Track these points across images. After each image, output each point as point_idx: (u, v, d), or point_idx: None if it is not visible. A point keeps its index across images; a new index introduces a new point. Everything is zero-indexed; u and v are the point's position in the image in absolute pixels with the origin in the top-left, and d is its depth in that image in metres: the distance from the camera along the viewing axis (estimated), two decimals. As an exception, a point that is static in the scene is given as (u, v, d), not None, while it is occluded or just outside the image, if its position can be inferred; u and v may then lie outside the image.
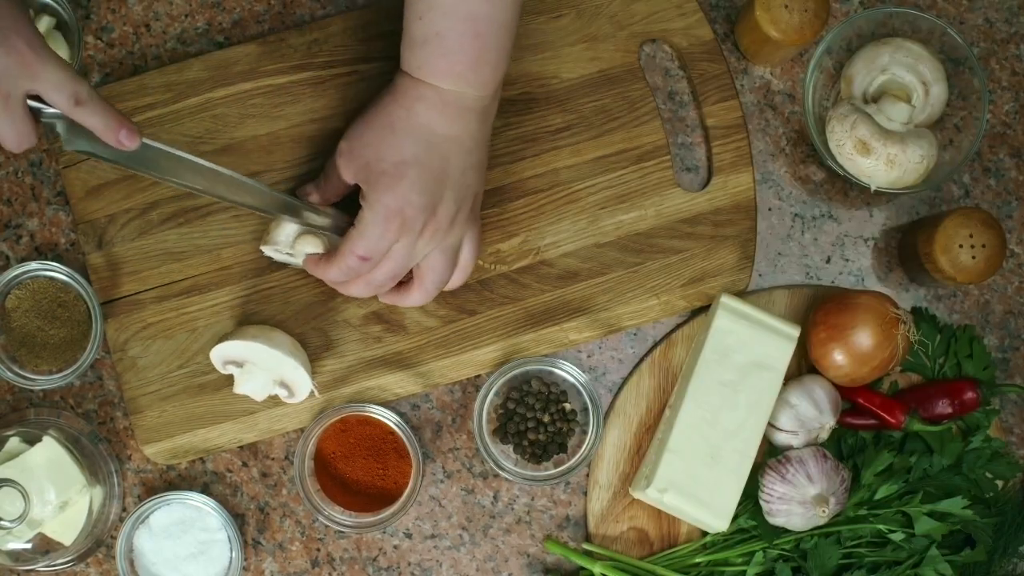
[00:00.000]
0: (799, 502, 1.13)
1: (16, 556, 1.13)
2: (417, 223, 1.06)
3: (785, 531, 1.16)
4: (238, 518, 1.19)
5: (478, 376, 1.20)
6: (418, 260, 1.09)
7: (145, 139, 1.01)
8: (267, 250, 1.14)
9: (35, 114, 0.95)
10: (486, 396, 1.16)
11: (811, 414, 1.15)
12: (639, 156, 1.21)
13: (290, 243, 1.11)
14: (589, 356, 1.21)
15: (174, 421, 1.17)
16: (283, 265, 1.18)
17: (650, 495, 1.13)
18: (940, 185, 1.23)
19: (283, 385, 1.15)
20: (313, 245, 1.11)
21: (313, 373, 1.17)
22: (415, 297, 1.12)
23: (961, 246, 1.16)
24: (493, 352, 1.19)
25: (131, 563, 1.16)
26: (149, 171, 1.02)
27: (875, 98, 1.20)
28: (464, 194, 1.08)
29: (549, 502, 1.20)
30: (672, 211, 1.21)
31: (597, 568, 1.17)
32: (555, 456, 1.18)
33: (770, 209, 1.23)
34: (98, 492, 1.15)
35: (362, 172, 1.07)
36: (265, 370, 1.14)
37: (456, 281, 1.13)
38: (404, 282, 1.12)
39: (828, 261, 1.23)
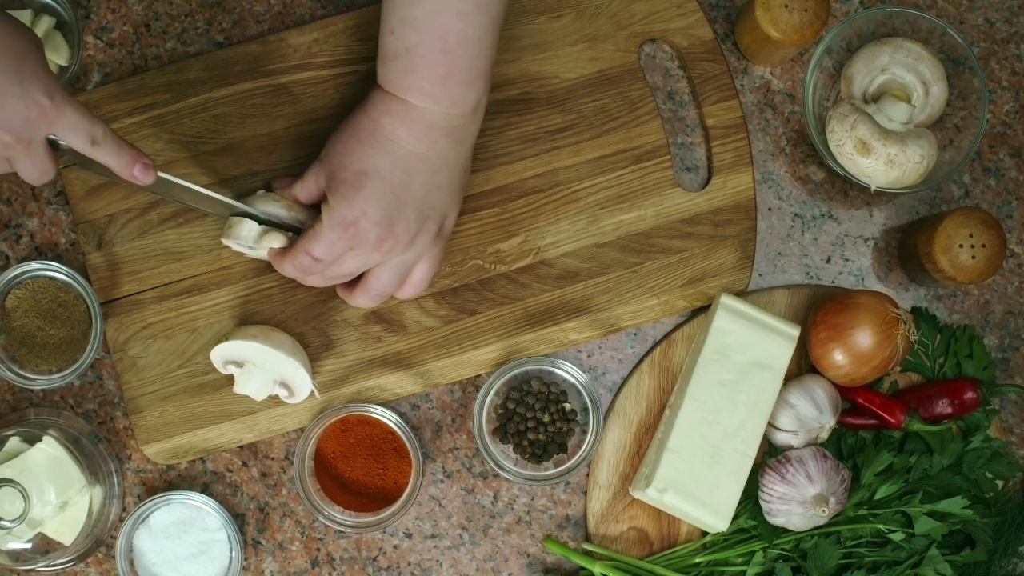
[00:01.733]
0: (799, 502, 1.13)
1: (16, 556, 1.13)
2: (371, 236, 1.06)
3: (785, 531, 1.16)
4: (238, 518, 1.19)
5: (478, 376, 1.20)
6: (371, 267, 1.10)
7: (160, 172, 1.06)
8: (229, 243, 1.14)
9: (53, 146, 1.01)
10: (486, 396, 1.16)
11: (811, 414, 1.15)
12: (639, 156, 1.21)
13: (253, 238, 1.12)
14: (589, 356, 1.21)
15: (174, 421, 1.17)
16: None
17: (650, 495, 1.13)
18: (940, 185, 1.23)
19: (283, 385, 1.15)
20: (277, 240, 1.11)
21: (313, 373, 1.17)
22: (358, 299, 1.13)
23: (961, 246, 1.16)
24: (493, 352, 1.19)
25: (131, 563, 1.16)
26: (153, 192, 1.09)
27: (875, 98, 1.20)
28: (427, 215, 1.08)
29: (549, 502, 1.20)
30: (672, 211, 1.21)
31: (597, 568, 1.17)
32: (555, 456, 1.18)
33: (770, 209, 1.23)
34: (98, 492, 1.15)
35: (327, 178, 1.08)
36: (265, 370, 1.14)
37: (406, 294, 1.13)
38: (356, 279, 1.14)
39: (828, 261, 1.23)
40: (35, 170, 1.00)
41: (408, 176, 1.06)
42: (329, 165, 1.08)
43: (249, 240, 1.12)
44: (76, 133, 0.99)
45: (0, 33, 0.96)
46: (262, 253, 1.13)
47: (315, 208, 1.12)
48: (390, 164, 1.06)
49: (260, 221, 1.12)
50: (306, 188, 1.12)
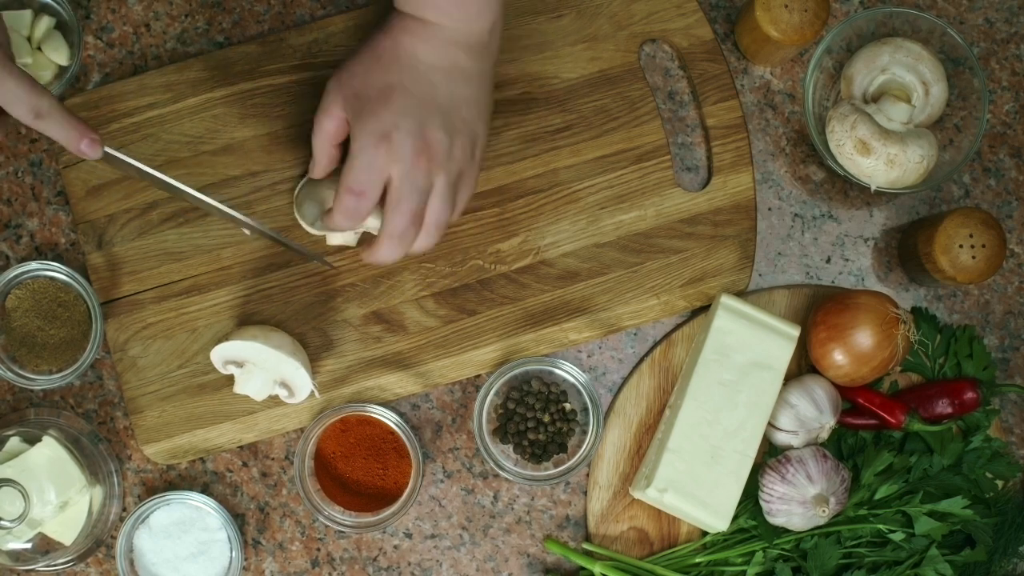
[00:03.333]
0: (799, 502, 1.13)
1: (16, 556, 1.13)
2: (406, 147, 1.04)
3: (785, 531, 1.16)
4: (238, 518, 1.19)
5: (478, 376, 1.20)
6: (424, 197, 1.07)
7: (108, 148, 1.03)
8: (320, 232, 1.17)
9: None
10: (486, 396, 1.16)
11: (811, 414, 1.15)
12: (639, 156, 1.21)
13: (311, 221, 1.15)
14: (589, 356, 1.21)
15: (174, 421, 1.17)
16: (282, 265, 1.18)
17: (650, 495, 1.13)
18: (940, 185, 1.24)
19: (283, 385, 1.15)
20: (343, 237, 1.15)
21: (313, 373, 1.17)
22: (422, 242, 1.09)
23: (961, 246, 1.16)
24: (493, 352, 1.19)
25: (131, 563, 1.16)
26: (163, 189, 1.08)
27: (875, 98, 1.20)
28: (458, 127, 1.07)
29: (549, 502, 1.20)
30: (672, 211, 1.21)
31: (597, 568, 1.17)
32: (555, 456, 1.18)
33: (770, 209, 1.23)
34: (98, 492, 1.15)
35: (350, 103, 1.07)
36: (265, 370, 1.14)
37: (453, 216, 1.10)
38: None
39: (828, 261, 1.23)
40: None
41: (432, 88, 1.06)
42: (350, 88, 1.07)
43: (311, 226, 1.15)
44: (18, 103, 0.95)
45: None
46: (340, 238, 1.16)
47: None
48: (413, 79, 1.06)
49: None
50: (327, 114, 1.09)
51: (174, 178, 1.08)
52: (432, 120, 1.06)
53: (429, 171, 1.06)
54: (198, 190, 1.09)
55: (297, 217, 1.16)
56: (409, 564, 1.19)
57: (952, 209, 1.18)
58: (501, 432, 1.18)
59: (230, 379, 1.17)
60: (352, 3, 1.23)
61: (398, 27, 1.07)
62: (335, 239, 1.16)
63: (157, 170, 1.07)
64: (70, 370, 1.16)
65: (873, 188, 1.18)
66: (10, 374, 1.15)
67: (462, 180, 1.09)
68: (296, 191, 1.17)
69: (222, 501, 1.18)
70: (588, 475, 1.19)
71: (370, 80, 1.06)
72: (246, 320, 1.18)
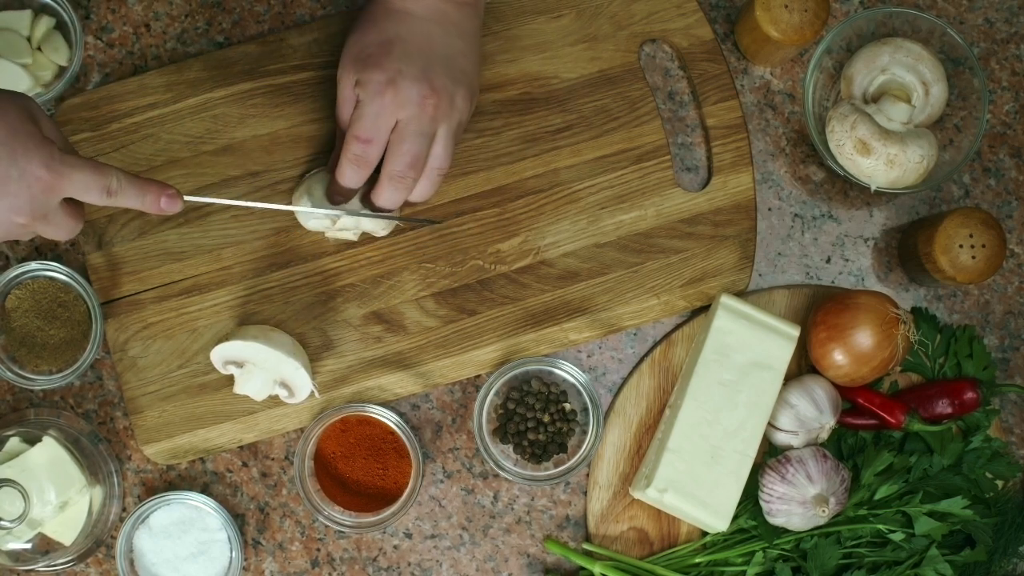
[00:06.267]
0: (799, 502, 1.13)
1: (16, 556, 1.13)
2: (412, 92, 1.06)
3: (785, 531, 1.16)
4: (238, 518, 1.19)
5: (478, 376, 1.20)
6: (428, 142, 1.08)
7: (187, 196, 1.04)
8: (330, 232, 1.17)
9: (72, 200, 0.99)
10: (486, 396, 1.16)
11: (811, 414, 1.15)
12: (639, 156, 1.21)
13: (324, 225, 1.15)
14: (589, 356, 1.21)
15: (174, 421, 1.17)
16: (283, 265, 1.18)
17: (650, 495, 1.13)
18: (940, 185, 1.24)
19: (283, 385, 1.15)
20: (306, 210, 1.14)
21: (313, 373, 1.17)
22: (423, 188, 1.11)
23: (961, 246, 1.16)
24: (493, 352, 1.19)
25: (131, 563, 1.16)
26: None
27: (875, 98, 1.20)
28: (458, 77, 1.09)
29: (549, 502, 1.20)
30: (672, 211, 1.21)
31: (597, 568, 1.17)
32: (555, 456, 1.18)
33: (770, 209, 1.23)
34: (98, 492, 1.15)
35: (353, 66, 1.08)
36: (265, 370, 1.14)
37: (444, 163, 1.11)
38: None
39: (828, 261, 1.23)
40: (60, 232, 0.98)
41: (429, 39, 1.08)
42: (352, 55, 1.09)
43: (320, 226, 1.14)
44: (88, 191, 0.97)
45: None
46: (343, 233, 1.15)
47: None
48: (408, 31, 1.08)
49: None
50: (342, 81, 1.10)
51: (203, 193, 1.09)
52: (435, 66, 1.07)
53: (435, 117, 1.08)
54: (236, 197, 1.11)
55: (297, 215, 1.16)
56: (409, 564, 1.19)
57: (952, 209, 1.18)
58: (501, 432, 1.18)
59: (230, 379, 1.17)
60: (352, 3, 1.23)
61: None
62: (337, 232, 1.16)
63: (209, 194, 1.09)
64: (70, 370, 1.16)
65: (873, 188, 1.18)
66: (10, 374, 1.15)
67: (460, 131, 1.11)
68: (296, 188, 1.17)
69: (222, 501, 1.18)
70: (588, 475, 1.19)
71: (368, 38, 1.08)
72: (246, 320, 1.18)
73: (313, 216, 1.13)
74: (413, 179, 1.09)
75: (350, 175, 1.09)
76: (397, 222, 1.15)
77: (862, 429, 1.18)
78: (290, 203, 1.17)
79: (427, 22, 1.08)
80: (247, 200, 1.12)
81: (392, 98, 1.06)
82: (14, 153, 0.93)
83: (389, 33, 1.08)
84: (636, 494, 1.17)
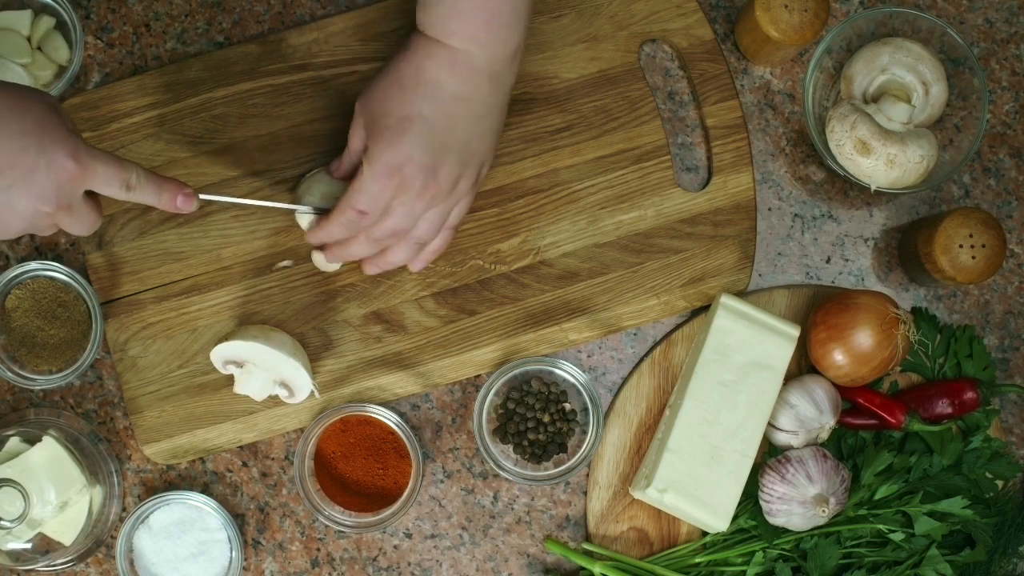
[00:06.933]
0: (799, 502, 1.13)
1: (16, 556, 1.13)
2: (416, 182, 1.05)
3: (785, 531, 1.16)
4: (238, 518, 1.19)
5: (478, 376, 1.20)
6: (417, 221, 1.09)
7: (202, 195, 1.06)
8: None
9: (91, 193, 1.01)
10: (486, 396, 1.16)
11: (811, 414, 1.15)
12: (639, 156, 1.21)
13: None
14: (589, 356, 1.21)
15: (174, 421, 1.17)
16: (283, 265, 1.18)
17: (650, 495, 1.13)
18: (940, 185, 1.24)
19: (283, 385, 1.15)
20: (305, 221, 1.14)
21: (313, 373, 1.17)
22: (397, 254, 1.12)
23: (961, 246, 1.16)
24: (493, 352, 1.19)
25: (131, 563, 1.16)
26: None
27: (875, 98, 1.20)
28: (468, 161, 1.08)
29: (549, 502, 1.20)
30: (672, 211, 1.21)
31: (597, 568, 1.17)
32: (555, 456, 1.18)
33: (770, 209, 1.23)
34: (98, 492, 1.15)
35: (367, 126, 1.07)
36: (265, 370, 1.14)
37: (438, 244, 1.13)
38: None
39: (828, 261, 1.23)
40: (81, 226, 1.01)
41: (452, 122, 1.06)
42: (370, 113, 1.07)
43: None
44: (109, 184, 0.99)
45: (17, 107, 0.96)
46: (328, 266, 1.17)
47: None
48: (434, 110, 1.05)
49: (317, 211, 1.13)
50: (351, 152, 1.11)
51: (213, 192, 1.09)
52: (446, 159, 1.06)
53: (429, 204, 1.08)
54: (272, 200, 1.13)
55: (296, 216, 1.16)
56: (409, 564, 1.19)
57: (952, 209, 1.18)
58: (501, 432, 1.18)
59: (230, 379, 1.17)
60: (352, 3, 1.23)
61: (422, 52, 1.05)
62: (324, 265, 1.17)
63: (210, 194, 1.09)
64: (70, 370, 1.16)
65: (873, 188, 1.18)
66: (10, 374, 1.16)
67: (458, 205, 1.11)
68: (296, 188, 1.17)
69: (222, 501, 1.18)
70: (588, 475, 1.19)
71: (390, 107, 1.06)
72: (246, 320, 1.18)
73: (313, 216, 1.14)
74: (392, 244, 1.11)
75: (338, 234, 1.10)
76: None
77: (862, 429, 1.18)
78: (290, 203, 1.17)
79: (455, 102, 1.05)
80: (256, 199, 1.12)
81: (397, 183, 1.05)
82: (42, 143, 0.96)
83: (411, 109, 1.05)
84: (636, 494, 1.17)
